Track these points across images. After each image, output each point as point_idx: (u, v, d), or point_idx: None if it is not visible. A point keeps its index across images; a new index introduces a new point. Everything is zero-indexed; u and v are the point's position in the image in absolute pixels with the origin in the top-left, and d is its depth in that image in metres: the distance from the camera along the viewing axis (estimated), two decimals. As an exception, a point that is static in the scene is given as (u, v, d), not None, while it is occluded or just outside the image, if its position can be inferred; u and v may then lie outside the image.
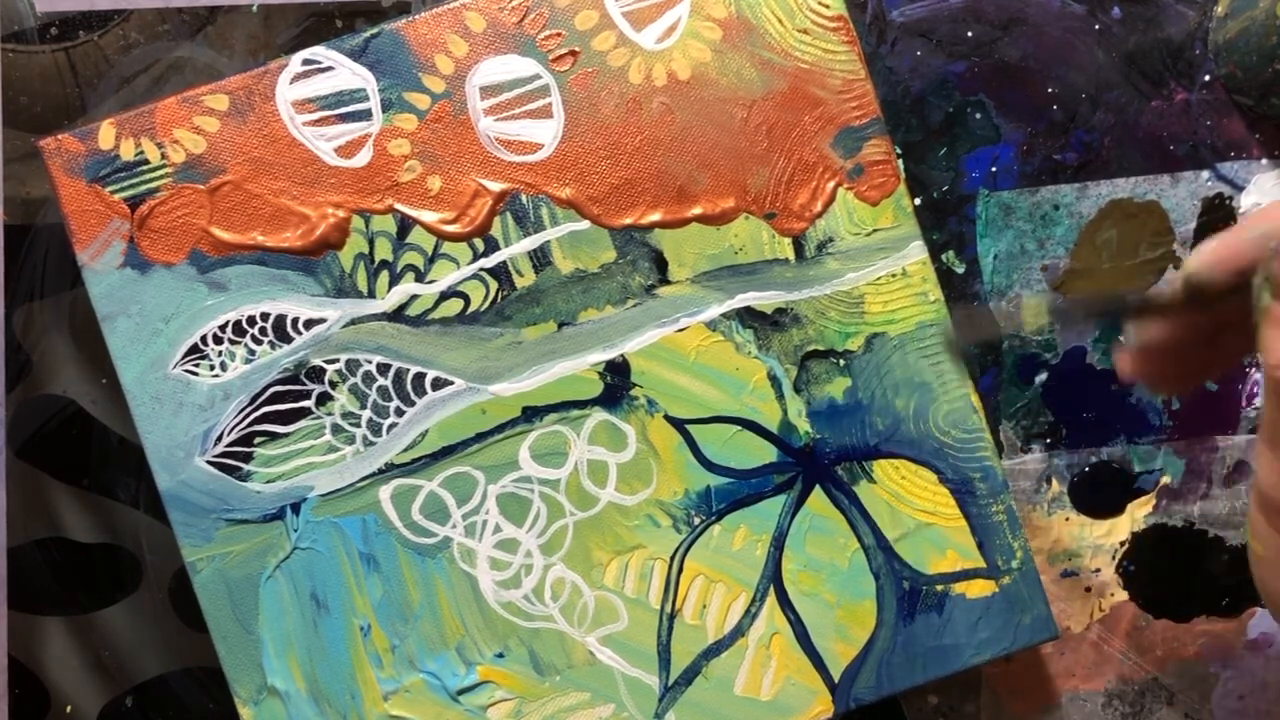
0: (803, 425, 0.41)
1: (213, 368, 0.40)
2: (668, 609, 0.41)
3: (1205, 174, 0.46)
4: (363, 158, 0.40)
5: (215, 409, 0.40)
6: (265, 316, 0.40)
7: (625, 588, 0.41)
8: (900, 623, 0.41)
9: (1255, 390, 0.47)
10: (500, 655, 0.40)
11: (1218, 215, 0.46)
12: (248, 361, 0.40)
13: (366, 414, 0.40)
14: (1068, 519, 0.47)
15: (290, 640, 0.40)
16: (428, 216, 0.41)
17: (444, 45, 0.41)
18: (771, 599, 0.41)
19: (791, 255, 0.41)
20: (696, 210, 0.41)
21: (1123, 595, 0.46)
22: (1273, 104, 0.45)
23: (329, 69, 0.40)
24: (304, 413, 0.40)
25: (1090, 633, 0.46)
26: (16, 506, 0.45)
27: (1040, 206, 0.46)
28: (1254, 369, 0.47)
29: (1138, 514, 0.47)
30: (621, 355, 0.41)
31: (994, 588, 0.41)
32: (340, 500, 0.40)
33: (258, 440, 0.40)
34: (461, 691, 0.40)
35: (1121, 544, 0.47)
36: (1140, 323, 0.30)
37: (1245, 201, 0.47)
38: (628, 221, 0.41)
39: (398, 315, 0.41)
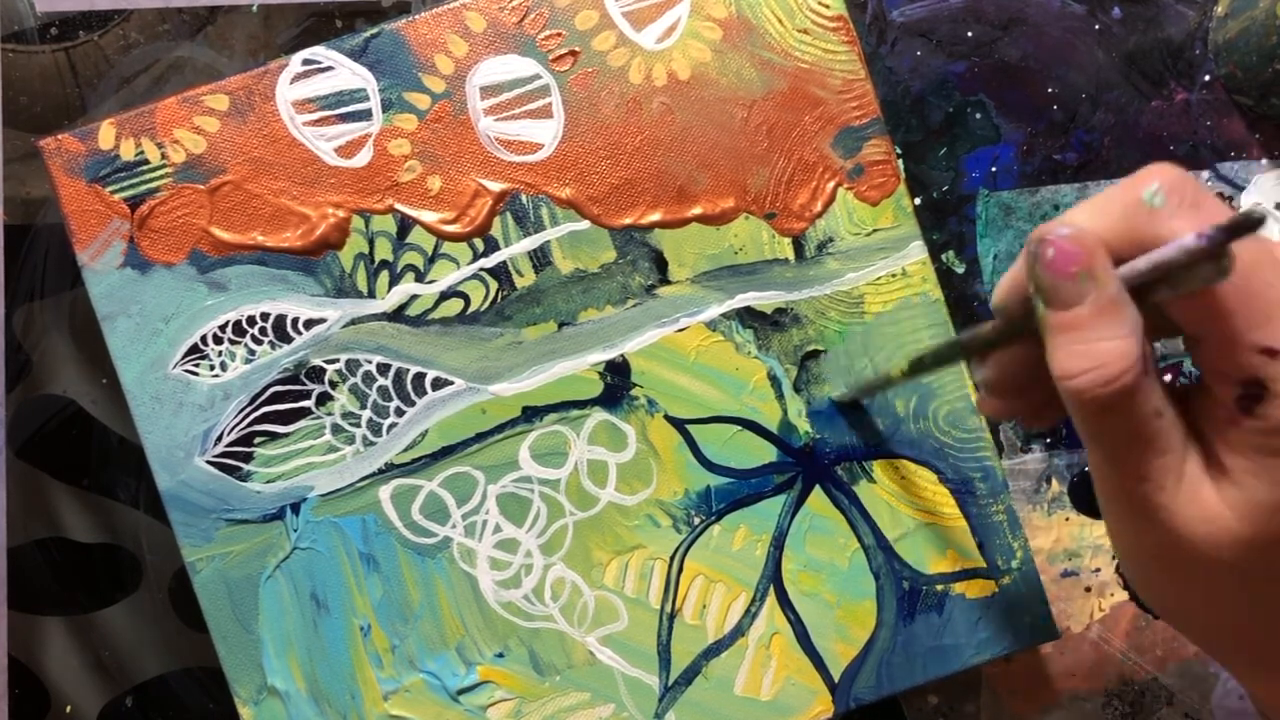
0: (803, 425, 0.41)
1: (213, 368, 0.40)
2: (668, 609, 0.41)
3: (1205, 174, 0.46)
4: (363, 158, 0.40)
5: (215, 409, 0.40)
6: (265, 316, 0.40)
7: (625, 588, 0.41)
8: (900, 623, 0.41)
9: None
10: (500, 655, 0.40)
11: (1218, 215, 0.46)
12: (248, 361, 0.40)
13: (366, 414, 0.40)
14: (1068, 519, 0.47)
15: (290, 640, 0.40)
16: (428, 216, 0.41)
17: (444, 45, 0.41)
18: (771, 599, 0.41)
19: (791, 255, 0.41)
20: (696, 210, 0.41)
21: (1123, 595, 0.46)
22: (1273, 104, 0.45)
23: (329, 69, 0.40)
24: (304, 413, 0.40)
25: (1090, 633, 0.46)
26: (16, 506, 0.45)
27: (1040, 206, 0.46)
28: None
29: (1138, 514, 0.47)
30: (621, 355, 0.41)
31: (994, 588, 0.41)
32: (340, 500, 0.40)
33: (258, 440, 0.40)
34: (461, 691, 0.40)
35: (1121, 544, 0.47)
36: (976, 362, 0.30)
37: (1245, 201, 0.47)
38: (628, 221, 0.41)
39: (398, 315, 0.41)
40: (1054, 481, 0.46)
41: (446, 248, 0.41)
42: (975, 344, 0.29)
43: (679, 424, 0.41)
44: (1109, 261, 0.24)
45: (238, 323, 0.40)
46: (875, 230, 0.41)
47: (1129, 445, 0.25)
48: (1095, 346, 0.24)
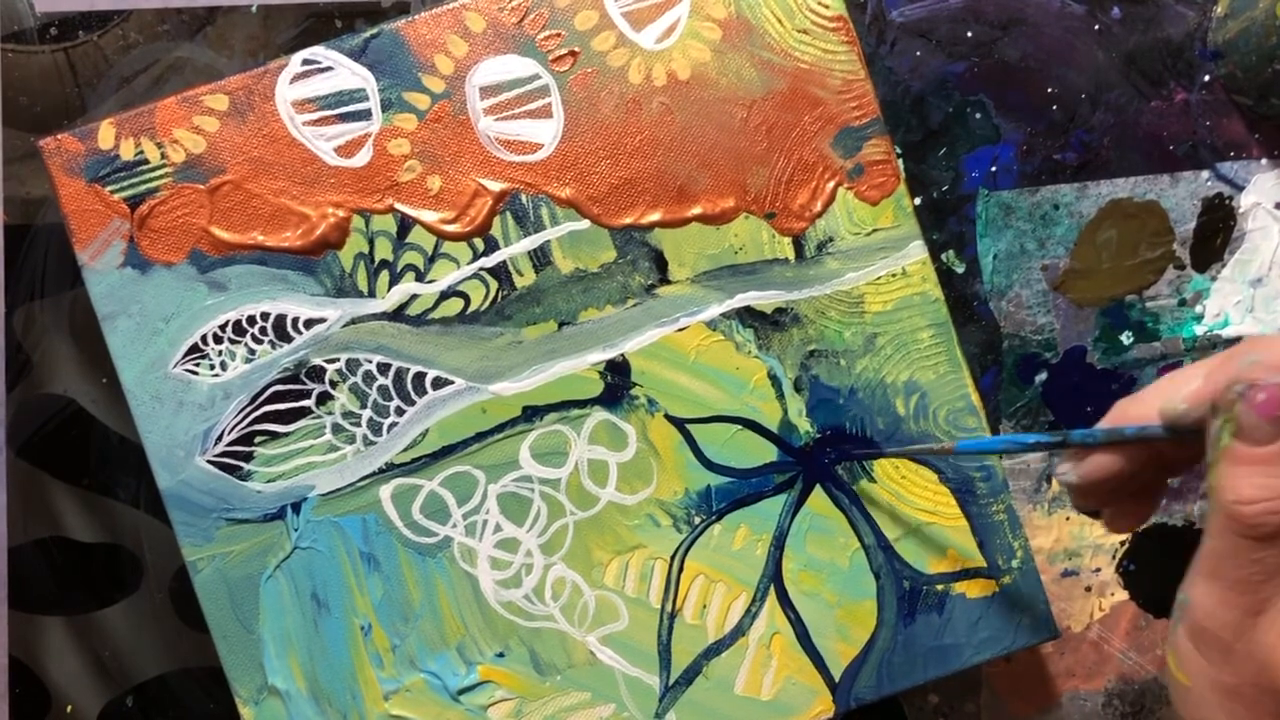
0: (803, 425, 0.41)
1: (213, 367, 0.40)
2: (668, 609, 0.41)
3: (1205, 174, 0.46)
4: (362, 157, 0.40)
5: (215, 408, 0.40)
6: (265, 316, 0.40)
7: (625, 587, 0.41)
8: (900, 622, 0.41)
9: (1255, 390, 0.47)
10: (501, 655, 0.40)
11: (1217, 215, 0.47)
12: (248, 361, 0.40)
13: (367, 413, 0.40)
14: (1068, 519, 0.47)
15: (291, 640, 0.40)
16: (428, 216, 0.41)
17: (444, 45, 0.41)
18: (772, 599, 0.41)
19: (791, 255, 0.41)
20: (696, 210, 0.41)
21: (1123, 595, 0.46)
22: (1272, 104, 0.45)
23: (329, 69, 0.40)
24: (304, 412, 0.40)
25: (1090, 633, 0.46)
26: (16, 506, 0.45)
27: (1040, 206, 0.46)
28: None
29: (1138, 514, 0.47)
30: (621, 355, 0.41)
31: (994, 587, 0.41)
32: (340, 500, 0.40)
33: (258, 440, 0.40)
34: (462, 691, 0.40)
35: (1121, 544, 0.47)
36: (1069, 457, 0.31)
37: (1245, 201, 0.47)
38: (628, 221, 0.41)
39: (398, 315, 0.41)
40: (1054, 481, 0.47)
41: (446, 247, 0.41)
42: (1090, 442, 0.31)
43: (679, 423, 0.41)
44: None
45: (238, 322, 0.40)
46: (875, 230, 0.41)
47: (1265, 578, 0.26)
48: (1276, 481, 0.26)
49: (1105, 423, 0.30)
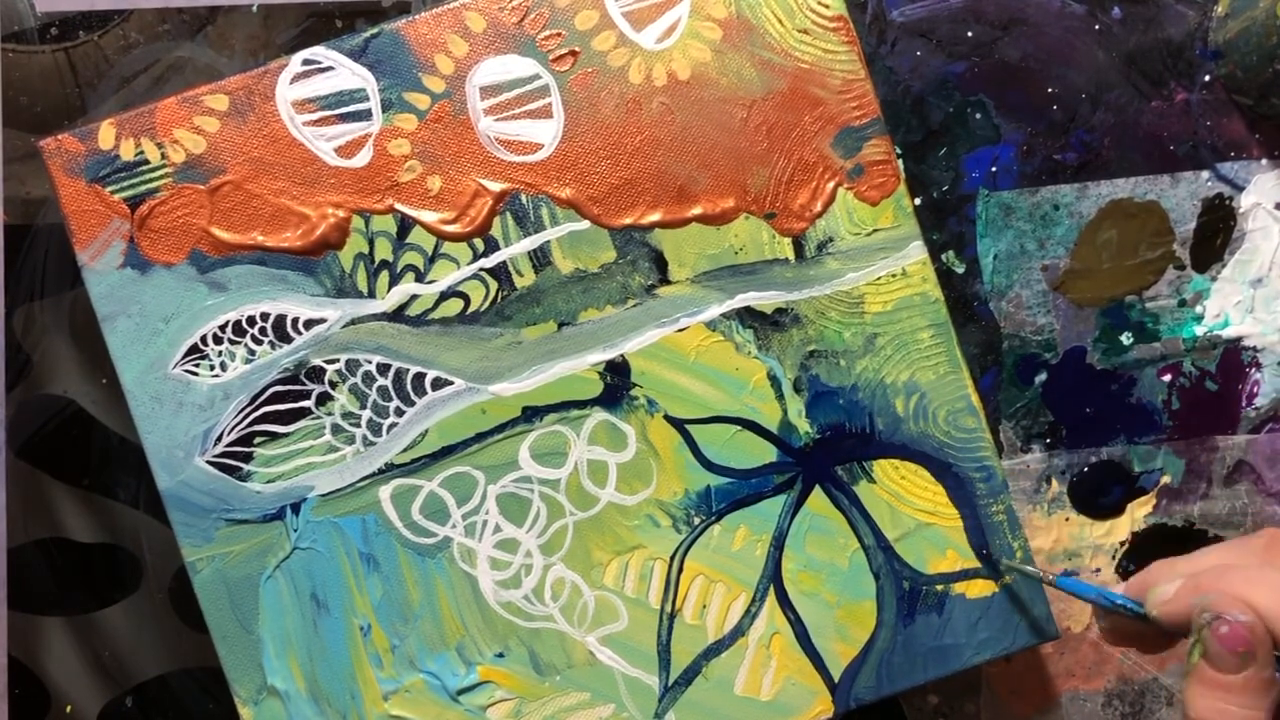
0: (802, 425, 0.41)
1: (213, 368, 0.40)
2: (668, 609, 0.41)
3: (1205, 174, 0.46)
4: (363, 158, 0.40)
5: (215, 409, 0.40)
6: (265, 316, 0.40)
7: (625, 588, 0.41)
8: (900, 623, 0.41)
9: (1255, 390, 0.47)
10: (500, 655, 0.40)
11: (1217, 215, 0.47)
12: (248, 361, 0.40)
13: (366, 414, 0.40)
14: (1068, 519, 0.47)
15: (290, 640, 0.40)
16: (428, 216, 0.41)
17: (444, 45, 0.41)
18: (771, 599, 0.41)
19: (791, 255, 0.41)
20: (696, 210, 0.41)
21: (1123, 595, 0.46)
22: (1273, 104, 0.45)
23: (329, 69, 0.40)
24: (304, 413, 0.40)
25: (1090, 633, 0.46)
26: (16, 506, 0.45)
27: (1040, 206, 0.46)
28: (1252, 369, 0.47)
29: (1138, 514, 0.47)
30: (621, 355, 0.41)
31: (994, 588, 0.41)
32: (340, 500, 0.40)
33: (258, 440, 0.40)
34: (461, 691, 0.40)
35: (1121, 544, 0.47)
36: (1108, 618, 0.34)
37: (1245, 201, 0.47)
38: (628, 221, 0.41)
39: (398, 315, 0.41)
40: (1054, 481, 0.47)
41: (446, 248, 0.41)
42: (1120, 614, 0.33)
43: (679, 424, 0.41)
44: (1271, 649, 0.27)
45: (238, 323, 0.40)
46: (875, 230, 0.41)
47: None
48: (1232, 710, 0.27)
49: (1132, 585, 0.32)
